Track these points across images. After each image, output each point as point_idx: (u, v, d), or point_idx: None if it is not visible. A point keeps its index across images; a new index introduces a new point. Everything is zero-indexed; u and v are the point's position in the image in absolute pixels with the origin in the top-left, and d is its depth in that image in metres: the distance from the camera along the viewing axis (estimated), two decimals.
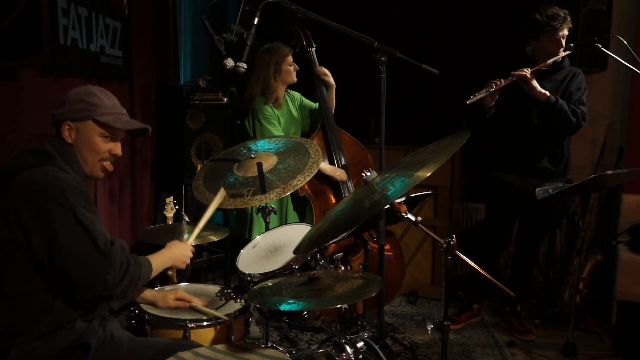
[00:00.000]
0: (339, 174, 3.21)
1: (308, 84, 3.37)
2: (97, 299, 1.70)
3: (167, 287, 2.20)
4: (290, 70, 3.22)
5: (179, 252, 1.96)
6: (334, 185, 3.25)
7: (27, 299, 1.63)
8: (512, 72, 2.94)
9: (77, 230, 1.60)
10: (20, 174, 1.62)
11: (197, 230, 2.14)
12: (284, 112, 3.29)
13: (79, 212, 1.61)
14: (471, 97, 2.88)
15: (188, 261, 2.00)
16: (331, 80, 3.32)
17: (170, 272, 2.12)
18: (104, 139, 1.77)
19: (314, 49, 3.33)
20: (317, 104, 3.37)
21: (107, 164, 1.81)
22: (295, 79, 3.27)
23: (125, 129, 1.81)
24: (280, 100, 3.24)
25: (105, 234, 1.67)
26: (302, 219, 3.38)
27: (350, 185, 3.27)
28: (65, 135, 1.73)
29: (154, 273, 1.83)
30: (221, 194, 2.22)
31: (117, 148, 1.80)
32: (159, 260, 1.87)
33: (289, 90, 3.39)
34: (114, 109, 1.78)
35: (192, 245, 2.05)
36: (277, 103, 3.23)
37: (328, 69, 3.33)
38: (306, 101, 3.44)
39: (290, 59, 3.22)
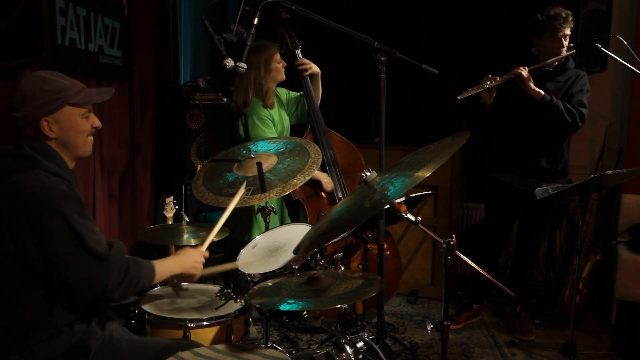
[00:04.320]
0: (326, 181, 3.18)
1: (297, 85, 3.33)
2: (98, 303, 1.67)
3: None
4: (279, 67, 3.17)
5: (189, 258, 1.90)
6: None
7: (24, 306, 1.60)
8: (509, 72, 2.94)
9: (72, 238, 1.57)
10: (4, 180, 1.57)
11: (212, 234, 2.06)
12: (275, 110, 3.27)
13: (72, 219, 1.57)
14: (463, 92, 2.88)
15: (201, 267, 1.93)
16: (313, 68, 3.28)
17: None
18: (84, 118, 1.74)
19: (300, 49, 3.31)
20: (302, 93, 3.33)
21: (91, 138, 1.79)
22: (284, 77, 3.23)
23: (103, 100, 1.80)
24: (272, 98, 3.22)
25: (100, 239, 1.64)
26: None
27: (344, 187, 3.27)
28: (47, 131, 1.66)
29: (158, 278, 1.78)
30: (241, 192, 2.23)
31: (96, 120, 1.79)
32: (163, 266, 1.82)
33: (276, 88, 3.36)
34: (77, 85, 1.74)
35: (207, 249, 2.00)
36: (269, 102, 3.20)
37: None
38: (291, 94, 3.40)
39: (278, 56, 3.17)
